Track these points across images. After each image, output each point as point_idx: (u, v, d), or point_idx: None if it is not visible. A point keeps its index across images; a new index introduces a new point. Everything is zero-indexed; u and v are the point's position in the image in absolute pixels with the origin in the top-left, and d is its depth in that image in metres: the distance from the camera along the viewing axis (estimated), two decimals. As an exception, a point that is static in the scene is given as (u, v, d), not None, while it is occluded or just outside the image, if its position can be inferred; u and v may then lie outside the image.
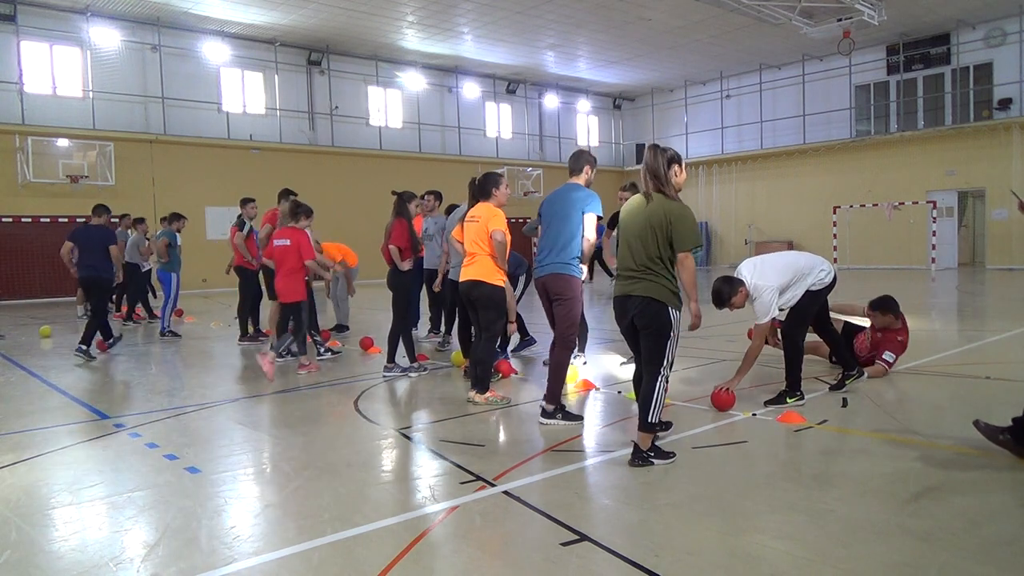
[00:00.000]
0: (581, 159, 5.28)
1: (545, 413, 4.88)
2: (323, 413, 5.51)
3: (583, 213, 5.00)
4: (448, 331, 8.60)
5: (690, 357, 7.25)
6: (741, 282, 5.14)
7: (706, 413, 5.08)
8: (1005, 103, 21.07)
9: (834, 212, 23.12)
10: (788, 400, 5.15)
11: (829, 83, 24.50)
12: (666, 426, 4.51)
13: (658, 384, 3.95)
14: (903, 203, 21.87)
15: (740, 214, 27.26)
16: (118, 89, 19.00)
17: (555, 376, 4.95)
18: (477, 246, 5.52)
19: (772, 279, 5.16)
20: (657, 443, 4.03)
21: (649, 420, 3.93)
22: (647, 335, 4.02)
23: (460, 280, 5.70)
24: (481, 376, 5.59)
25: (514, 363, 7.04)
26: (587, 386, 6.04)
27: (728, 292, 5.10)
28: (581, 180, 5.22)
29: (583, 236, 5.01)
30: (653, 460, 3.91)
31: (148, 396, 6.26)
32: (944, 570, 2.72)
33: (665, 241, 3.96)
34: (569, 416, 4.87)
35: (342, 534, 3.14)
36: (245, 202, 10.11)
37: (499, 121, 27.20)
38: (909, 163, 22.65)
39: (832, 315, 5.92)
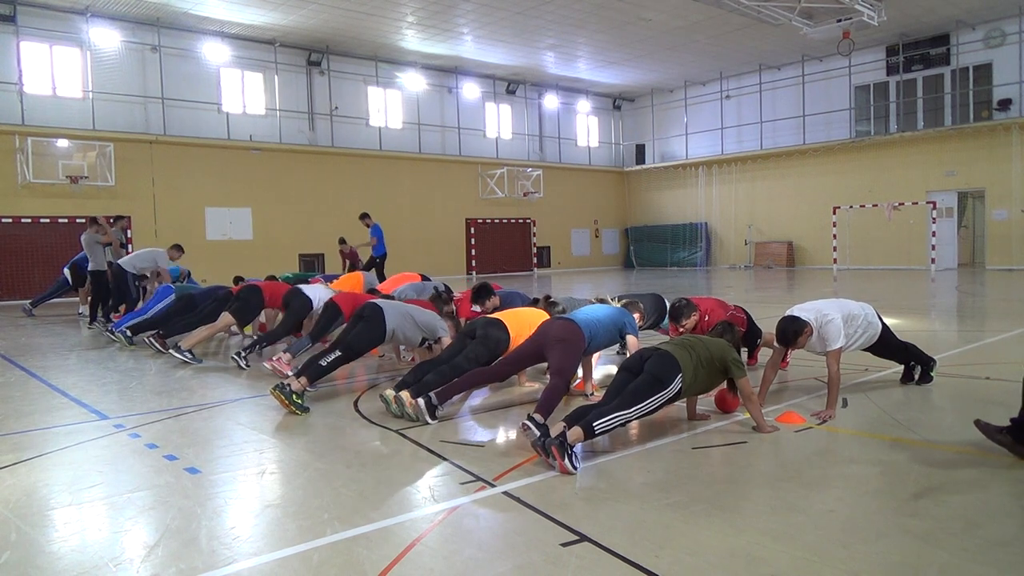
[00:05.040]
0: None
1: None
2: (323, 414, 5.50)
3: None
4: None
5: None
6: (805, 322, 5.11)
7: (707, 414, 5.07)
8: (1005, 103, 21.06)
9: (834, 212, 23.11)
10: (932, 373, 5.87)
11: (829, 83, 24.50)
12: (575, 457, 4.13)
13: (623, 416, 4.12)
14: (903, 203, 21.86)
15: (740, 214, 27.26)
16: (118, 89, 18.99)
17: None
18: None
19: (834, 311, 5.22)
20: (576, 452, 3.98)
21: (595, 427, 4.00)
22: (646, 375, 4.30)
23: None
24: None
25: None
26: (581, 387, 5.97)
27: (794, 330, 5.07)
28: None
29: None
30: (574, 462, 3.87)
31: (148, 396, 6.25)
32: (944, 570, 2.72)
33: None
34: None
35: (342, 534, 3.14)
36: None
37: (499, 121, 27.18)
38: (909, 163, 22.65)
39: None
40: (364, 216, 16.55)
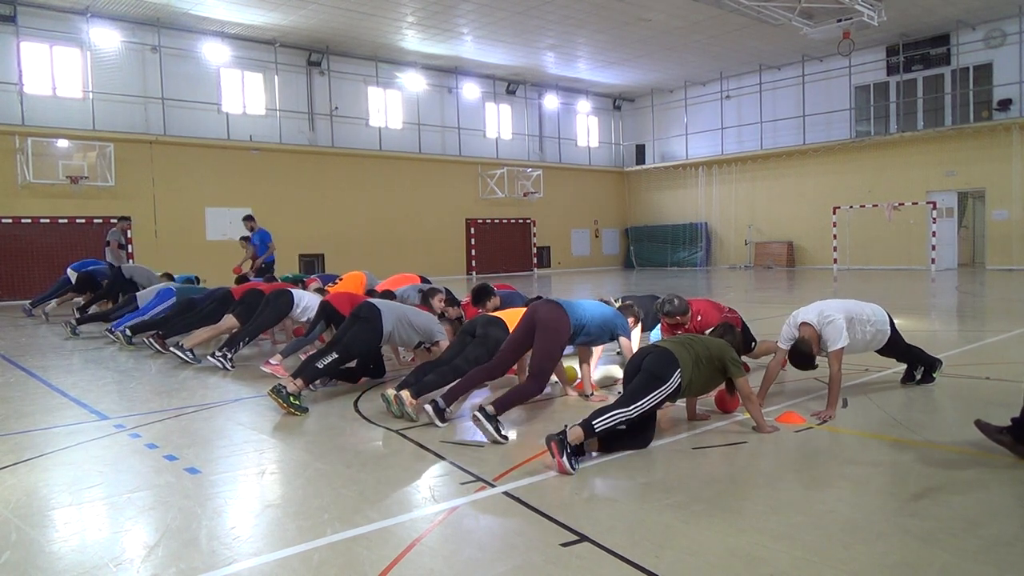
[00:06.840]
0: None
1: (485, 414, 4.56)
2: (323, 414, 5.51)
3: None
4: None
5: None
6: (808, 324, 5.12)
7: (707, 414, 5.07)
8: (1005, 104, 21.06)
9: (834, 213, 23.11)
10: (935, 374, 5.92)
11: (829, 84, 24.49)
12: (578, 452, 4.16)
13: (623, 414, 4.14)
14: (903, 204, 21.86)
15: (740, 214, 27.25)
16: (118, 90, 18.98)
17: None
18: None
19: (837, 312, 5.22)
20: (576, 456, 3.99)
21: (594, 425, 4.02)
22: (644, 373, 4.33)
23: None
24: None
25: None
26: (581, 387, 5.96)
27: (808, 348, 5.04)
28: None
29: None
30: (573, 462, 3.89)
31: (148, 397, 6.26)
32: (944, 570, 2.72)
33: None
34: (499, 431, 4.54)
35: (342, 534, 3.14)
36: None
37: (499, 122, 27.17)
38: (909, 164, 22.64)
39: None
40: (248, 218, 13.73)
